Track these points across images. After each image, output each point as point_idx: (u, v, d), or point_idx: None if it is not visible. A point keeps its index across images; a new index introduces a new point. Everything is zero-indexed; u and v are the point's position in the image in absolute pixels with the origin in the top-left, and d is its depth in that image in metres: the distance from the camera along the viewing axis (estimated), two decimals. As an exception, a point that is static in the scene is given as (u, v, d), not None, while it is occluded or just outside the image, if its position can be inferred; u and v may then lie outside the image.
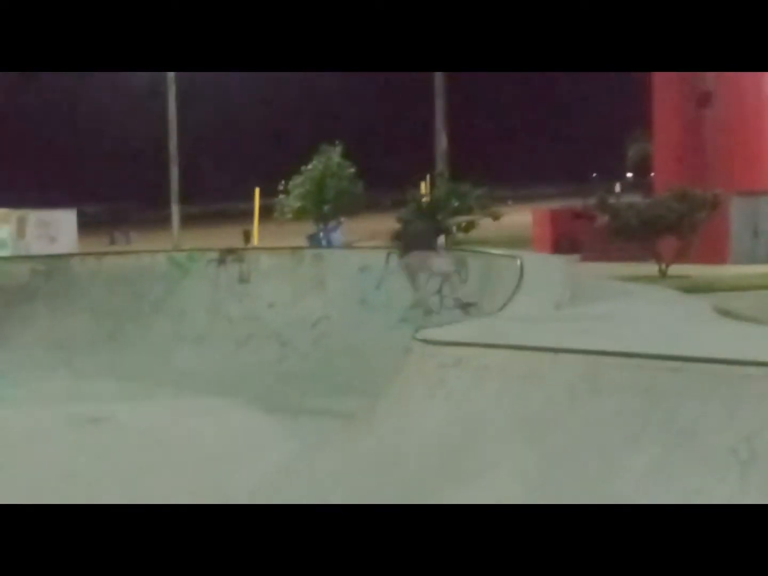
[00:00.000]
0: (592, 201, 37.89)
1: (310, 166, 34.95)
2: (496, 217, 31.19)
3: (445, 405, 9.07)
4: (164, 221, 41.60)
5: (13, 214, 28.92)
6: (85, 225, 33.63)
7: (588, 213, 36.82)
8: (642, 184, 66.89)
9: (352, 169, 35.21)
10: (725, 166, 34.45)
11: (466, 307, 15.43)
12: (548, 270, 15.62)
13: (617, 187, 77.81)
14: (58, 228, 29.57)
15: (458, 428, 8.70)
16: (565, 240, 35.40)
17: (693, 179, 32.05)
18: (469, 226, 29.97)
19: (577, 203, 54.05)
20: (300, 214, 34.81)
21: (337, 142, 35.25)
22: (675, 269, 28.81)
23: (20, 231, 28.39)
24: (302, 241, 32.64)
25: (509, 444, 8.22)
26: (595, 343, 8.80)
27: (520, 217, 46.50)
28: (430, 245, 15.67)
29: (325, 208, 34.39)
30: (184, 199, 39.59)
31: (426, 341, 10.23)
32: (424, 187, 35.86)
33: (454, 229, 29.46)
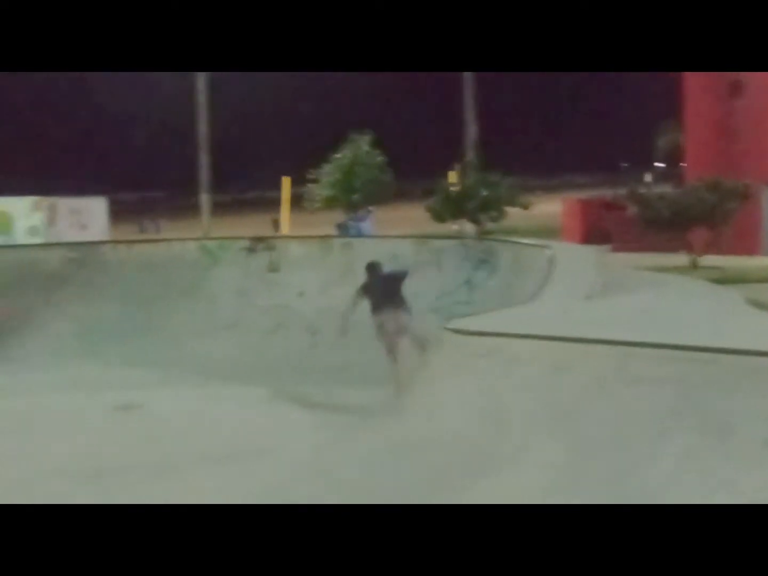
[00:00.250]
0: (622, 191, 37.68)
1: (339, 155, 34.94)
2: (525, 207, 31.11)
3: (475, 395, 9.08)
4: (194, 210, 41.68)
5: (44, 201, 29.11)
6: (116, 213, 33.77)
7: (618, 203, 36.63)
8: (672, 174, 66.46)
9: (382, 158, 35.15)
10: (757, 156, 34.10)
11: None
12: (579, 260, 15.57)
13: (648, 177, 77.33)
14: (89, 216, 29.76)
15: (488, 418, 8.70)
16: (596, 230, 35.22)
17: (724, 169, 31.76)
18: (499, 216, 29.90)
19: (607, 193, 53.80)
20: (329, 203, 34.81)
21: (366, 130, 35.23)
22: (706, 260, 28.62)
23: (52, 218, 28.57)
24: (332, 230, 32.64)
25: (539, 434, 8.22)
26: (626, 334, 8.76)
27: (549, 207, 46.28)
28: (399, 300, 14.78)
29: (354, 197, 34.37)
30: (214, 187, 39.69)
31: (457, 331, 10.23)
32: (453, 176, 35.74)
33: (484, 218, 29.45)
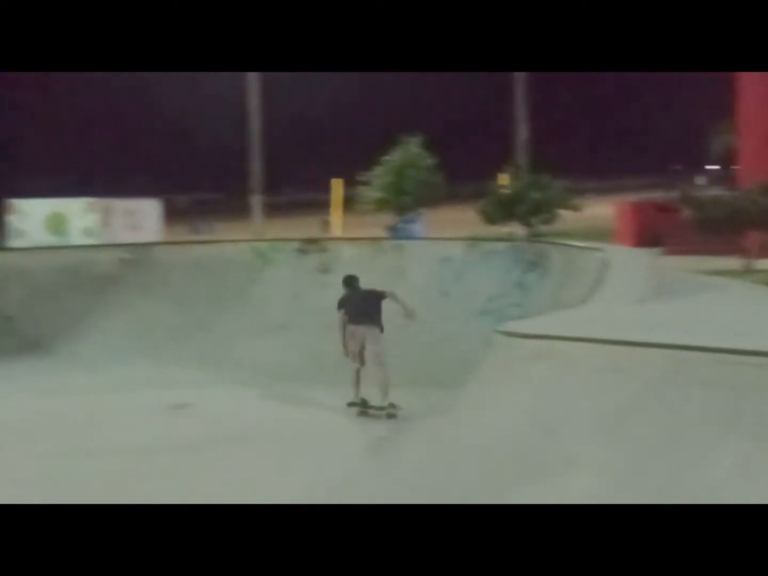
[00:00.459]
0: (674, 193, 37.36)
1: (389, 157, 34.93)
2: (576, 210, 30.93)
3: (527, 398, 9.07)
4: (246, 211, 41.92)
5: (99, 203, 29.44)
6: (169, 214, 34.07)
7: (671, 206, 36.32)
8: (725, 176, 65.78)
9: (432, 160, 35.09)
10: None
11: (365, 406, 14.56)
12: (631, 263, 15.48)
13: (701, 180, 76.59)
14: (142, 217, 30.04)
15: (540, 421, 8.69)
16: (648, 233, 34.95)
17: (779, 172, 31.43)
18: (550, 218, 29.74)
19: (659, 196, 53.35)
20: (380, 205, 34.76)
21: (416, 132, 35.19)
22: (760, 264, 28.33)
23: (106, 220, 28.87)
24: (381, 232, 32.66)
25: (591, 438, 8.20)
26: (679, 338, 8.71)
27: (601, 210, 46.00)
28: (375, 319, 14.93)
29: (405, 199, 34.32)
30: (266, 189, 39.89)
31: (509, 334, 10.23)
32: (503, 178, 35.63)
33: (535, 221, 29.30)
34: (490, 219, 30.58)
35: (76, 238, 27.96)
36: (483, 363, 10.63)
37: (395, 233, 32.38)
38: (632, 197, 56.49)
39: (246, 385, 16.00)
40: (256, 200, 38.86)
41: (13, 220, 29.11)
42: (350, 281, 15.66)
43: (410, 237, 29.17)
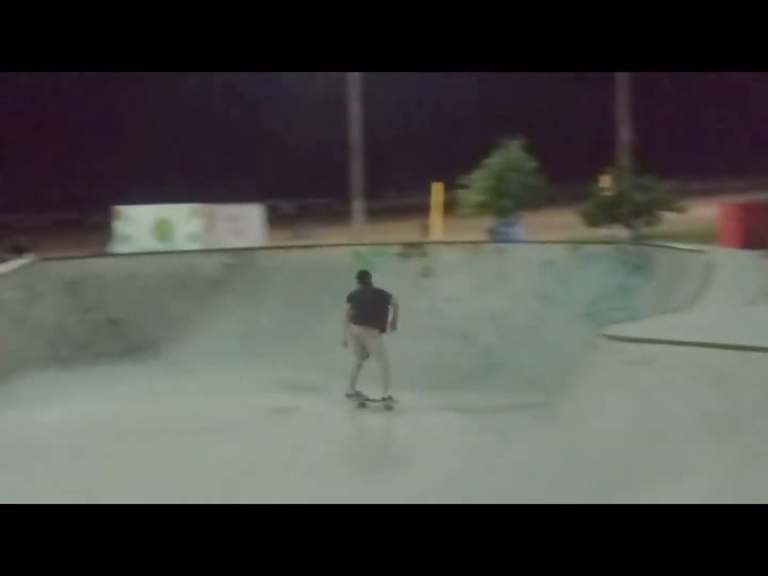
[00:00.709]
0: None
1: (491, 161, 34.85)
2: (680, 211, 30.49)
3: (632, 402, 8.96)
4: (347, 216, 42.19)
5: (203, 209, 29.88)
6: (271, 219, 34.43)
7: (778, 207, 35.55)
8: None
9: (533, 163, 34.91)
10: None
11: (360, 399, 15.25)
12: (738, 265, 15.19)
13: (809, 180, 74.67)
14: (245, 222, 30.42)
15: (646, 426, 8.58)
16: (754, 235, 34.22)
17: None
18: (653, 220, 29.38)
19: (765, 197, 52.16)
20: (481, 209, 34.70)
21: (517, 136, 35.06)
22: None
23: (210, 225, 29.30)
24: (483, 236, 32.59)
25: (699, 443, 8.07)
26: (790, 342, 8.53)
27: (705, 211, 45.16)
28: (375, 320, 15.44)
29: (506, 203, 34.21)
30: (367, 193, 40.10)
31: (613, 338, 10.12)
32: (605, 180, 35.26)
33: (638, 223, 28.96)
34: (592, 221, 30.34)
35: (181, 244, 28.44)
36: (586, 367, 10.54)
37: (496, 236, 32.27)
38: (737, 198, 55.37)
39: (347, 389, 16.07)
40: (357, 205, 39.10)
41: (120, 226, 29.74)
42: (362, 276, 16.22)
43: (511, 240, 28.99)
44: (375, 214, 51.13)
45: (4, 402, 15.02)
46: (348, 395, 15.35)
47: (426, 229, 43.40)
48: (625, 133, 38.03)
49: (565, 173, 54.67)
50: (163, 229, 29.27)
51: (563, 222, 36.21)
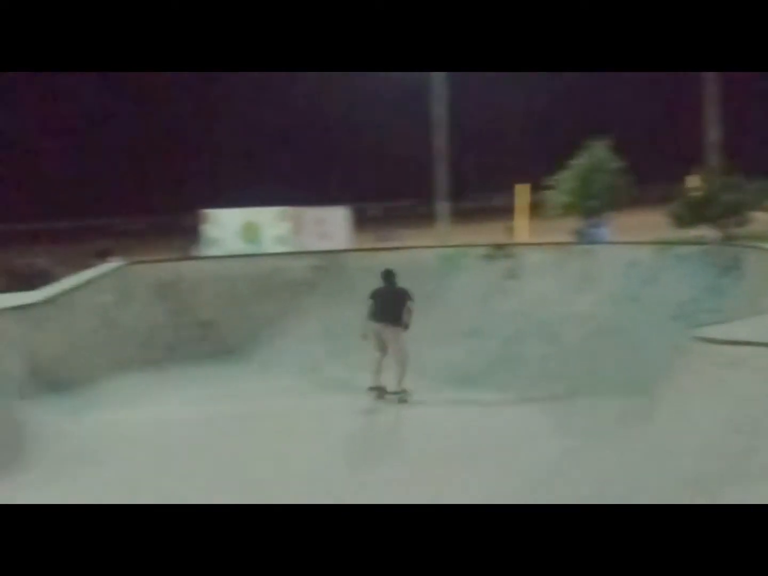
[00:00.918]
0: None
1: (576, 162, 34.63)
2: (772, 211, 29.97)
3: (724, 405, 8.85)
4: (432, 218, 42.20)
5: (290, 212, 30.09)
6: (357, 222, 34.55)
7: None
8: None
9: (619, 164, 34.60)
10: None
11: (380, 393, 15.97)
12: (832, 266, 14.91)
13: None
14: (332, 225, 30.53)
15: (739, 430, 8.48)
16: None
17: None
18: (744, 221, 28.90)
19: None
20: (567, 210, 34.51)
21: (603, 136, 34.78)
22: None
23: (297, 228, 29.51)
24: (568, 237, 32.37)
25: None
26: None
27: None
28: (395, 318, 16.11)
29: (592, 204, 33.96)
30: (452, 195, 40.06)
31: (703, 339, 10.01)
32: (693, 180, 34.76)
33: (728, 223, 28.52)
34: (681, 222, 29.92)
35: (269, 246, 28.70)
36: (676, 370, 10.44)
37: (582, 238, 32.05)
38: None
39: (434, 390, 16.13)
40: (442, 207, 39.09)
41: (208, 229, 30.12)
42: (386, 275, 16.78)
43: (598, 241, 28.75)
44: (460, 216, 51.06)
45: (96, 403, 15.34)
46: (370, 388, 15.96)
47: (511, 231, 43.25)
48: (713, 133, 37.42)
49: (652, 173, 53.99)
50: (250, 232, 29.56)
51: (650, 223, 35.74)
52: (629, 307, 17.26)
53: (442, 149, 38.74)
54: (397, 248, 24.51)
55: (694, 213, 29.39)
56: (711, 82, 36.96)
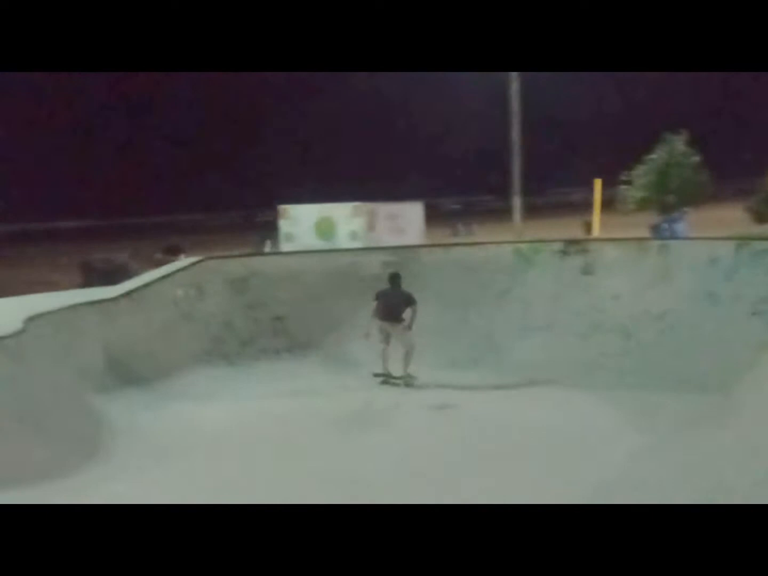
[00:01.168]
0: None
1: (653, 156, 34.30)
2: None
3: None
4: (505, 213, 42.04)
5: (364, 207, 30.14)
6: (431, 217, 34.53)
7: None
8: None
9: (697, 158, 34.20)
10: None
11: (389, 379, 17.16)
12: None
13: None
14: (405, 220, 30.55)
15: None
16: None
17: None
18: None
19: None
20: (643, 205, 34.23)
21: (681, 130, 34.39)
22: None
23: (371, 224, 29.57)
24: (644, 233, 32.03)
25: None
26: None
27: None
28: (398, 318, 17.30)
29: (669, 199, 33.62)
30: (526, 190, 39.85)
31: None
32: (774, 176, 34.21)
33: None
34: (760, 217, 29.50)
35: (343, 242, 28.80)
36: (756, 366, 10.27)
37: (659, 233, 31.70)
38: None
39: (507, 386, 16.07)
40: (517, 202, 38.91)
41: (284, 224, 30.33)
42: (392, 278, 17.79)
43: (675, 237, 28.42)
44: (535, 210, 50.81)
45: (170, 396, 15.54)
46: (375, 374, 17.30)
47: (589, 226, 42.96)
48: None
49: (730, 168, 53.27)
50: (325, 227, 29.70)
51: (729, 218, 35.32)
52: (706, 304, 17.00)
53: (518, 143, 38.53)
54: (472, 244, 24.43)
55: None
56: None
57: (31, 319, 14.17)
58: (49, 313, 15.15)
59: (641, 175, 34.10)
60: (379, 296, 17.47)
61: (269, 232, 30.66)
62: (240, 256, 22.64)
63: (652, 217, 34.10)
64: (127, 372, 15.91)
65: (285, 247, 28.65)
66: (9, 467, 10.43)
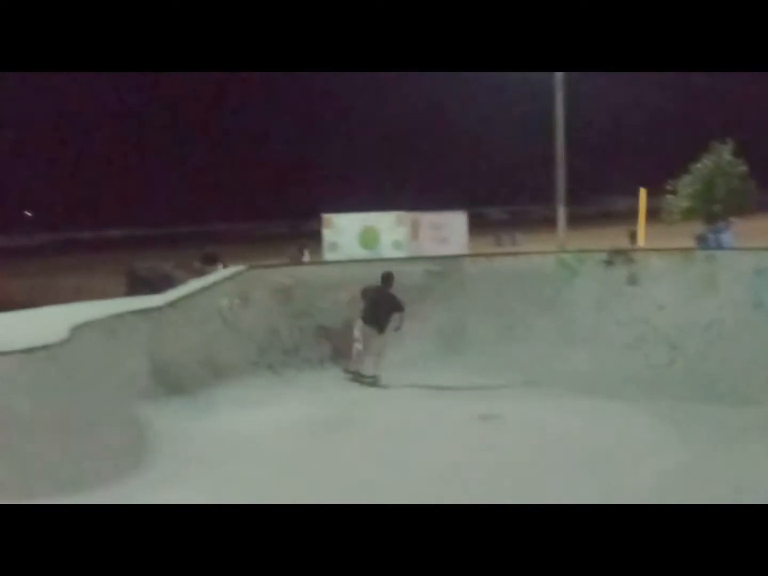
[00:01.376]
0: None
1: (699, 165, 34.03)
2: None
3: None
4: (549, 222, 41.87)
5: (407, 216, 30.07)
6: (475, 227, 34.49)
7: None
8: None
9: (744, 168, 33.89)
10: None
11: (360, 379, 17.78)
12: None
13: None
14: (449, 230, 30.42)
15: None
16: None
17: None
18: None
19: None
20: (688, 215, 33.93)
21: (728, 140, 34.11)
22: None
23: (414, 233, 29.52)
24: (689, 243, 31.76)
25: None
26: None
27: None
28: (377, 321, 17.80)
29: (715, 208, 33.32)
30: (570, 199, 39.66)
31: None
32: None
33: None
34: (809, 227, 29.17)
35: (386, 251, 28.77)
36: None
37: (705, 243, 31.42)
38: None
39: (552, 397, 15.98)
40: (561, 211, 38.74)
41: (328, 234, 30.38)
42: (385, 278, 18.29)
43: (721, 247, 28.15)
44: (579, 220, 50.57)
45: (214, 405, 15.58)
46: (346, 370, 18.05)
47: (634, 235, 42.69)
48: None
49: (778, 177, 52.70)
50: (368, 236, 29.65)
51: (777, 228, 34.94)
52: (753, 314, 16.86)
53: (562, 152, 38.38)
54: (516, 253, 24.38)
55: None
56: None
57: (77, 327, 14.28)
58: (95, 321, 15.27)
59: (687, 184, 33.82)
60: (364, 294, 18.06)
61: (307, 242, 30.62)
62: (284, 265, 22.72)
63: (698, 227, 33.78)
64: (173, 381, 15.98)
65: (329, 256, 28.65)
66: (55, 476, 10.52)
